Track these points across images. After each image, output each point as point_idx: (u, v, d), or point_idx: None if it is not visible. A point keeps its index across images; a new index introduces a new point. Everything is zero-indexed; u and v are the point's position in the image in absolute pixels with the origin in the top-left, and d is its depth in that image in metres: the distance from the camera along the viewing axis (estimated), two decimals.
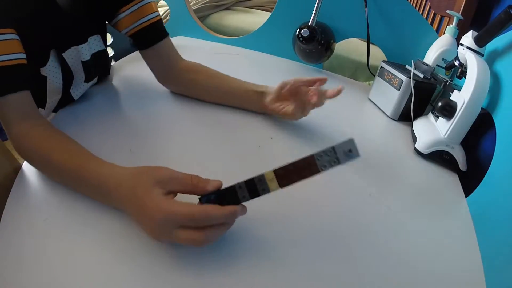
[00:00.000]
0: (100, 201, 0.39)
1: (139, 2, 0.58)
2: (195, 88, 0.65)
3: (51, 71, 0.51)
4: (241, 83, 0.63)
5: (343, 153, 0.30)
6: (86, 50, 0.56)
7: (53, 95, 0.54)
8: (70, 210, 0.38)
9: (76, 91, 0.58)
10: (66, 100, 0.58)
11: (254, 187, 0.32)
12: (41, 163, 0.42)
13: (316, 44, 0.83)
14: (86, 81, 0.59)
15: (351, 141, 0.29)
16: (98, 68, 0.62)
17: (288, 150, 0.57)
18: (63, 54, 0.51)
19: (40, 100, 0.52)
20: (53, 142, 0.42)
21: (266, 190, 0.32)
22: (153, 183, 0.33)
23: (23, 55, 0.43)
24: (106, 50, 0.62)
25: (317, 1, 0.79)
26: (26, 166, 0.43)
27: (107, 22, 0.62)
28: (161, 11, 1.42)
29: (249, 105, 0.64)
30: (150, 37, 0.60)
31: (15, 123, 0.42)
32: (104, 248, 0.35)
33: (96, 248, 0.34)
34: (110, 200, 0.37)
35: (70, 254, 0.33)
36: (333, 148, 0.30)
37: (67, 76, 0.54)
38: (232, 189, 0.33)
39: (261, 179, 0.32)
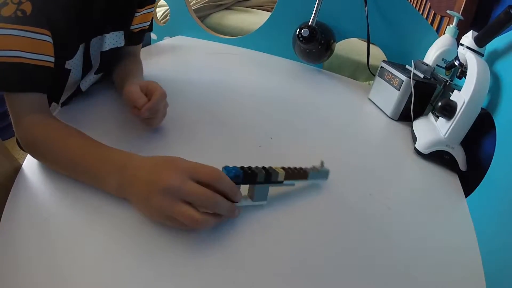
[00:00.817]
0: (103, 186, 0.39)
1: (150, 8, 0.67)
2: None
3: (75, 64, 0.53)
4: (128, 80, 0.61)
5: (319, 166, 0.47)
6: (107, 41, 0.58)
7: (70, 88, 0.56)
8: (71, 210, 0.38)
9: (84, 82, 0.60)
10: (73, 92, 0.59)
11: (267, 169, 0.39)
12: (52, 151, 0.42)
13: (316, 44, 0.83)
14: (97, 72, 0.61)
15: (321, 162, 0.48)
16: (111, 62, 0.65)
17: (288, 150, 0.57)
18: (90, 42, 0.54)
19: (57, 94, 0.54)
20: (69, 130, 0.43)
21: (275, 172, 0.40)
22: (174, 169, 0.35)
23: (52, 59, 0.45)
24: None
25: (317, 1, 0.79)
26: (26, 166, 0.43)
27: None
28: (161, 11, 1.42)
29: None
30: (140, 38, 0.70)
31: (26, 114, 0.43)
32: (105, 248, 0.34)
33: (97, 248, 0.34)
34: (122, 183, 0.38)
35: (70, 254, 0.33)
36: (312, 166, 0.47)
37: (86, 67, 0.57)
38: (250, 168, 0.38)
39: (271, 167, 0.40)
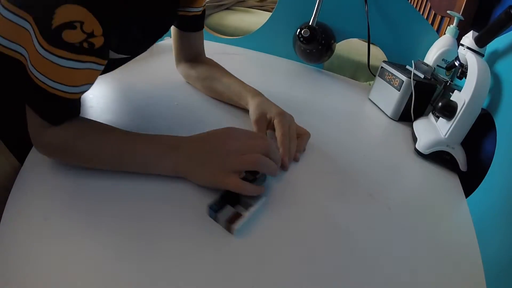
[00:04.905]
0: (156, 170, 0.42)
1: None
2: (205, 81, 0.69)
3: None
4: (237, 90, 0.64)
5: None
6: None
7: None
8: (70, 210, 0.38)
9: None
10: None
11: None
12: (90, 149, 0.40)
13: (317, 44, 0.83)
14: None
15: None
16: None
17: None
18: None
19: None
20: (101, 124, 0.44)
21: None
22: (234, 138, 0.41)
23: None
24: None
25: (317, 1, 0.79)
26: (26, 166, 0.43)
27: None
28: None
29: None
30: (195, 24, 0.68)
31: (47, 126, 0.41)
32: (105, 248, 0.34)
33: (97, 248, 0.34)
34: (178, 162, 0.41)
35: (70, 254, 0.33)
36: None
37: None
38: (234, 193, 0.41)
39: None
